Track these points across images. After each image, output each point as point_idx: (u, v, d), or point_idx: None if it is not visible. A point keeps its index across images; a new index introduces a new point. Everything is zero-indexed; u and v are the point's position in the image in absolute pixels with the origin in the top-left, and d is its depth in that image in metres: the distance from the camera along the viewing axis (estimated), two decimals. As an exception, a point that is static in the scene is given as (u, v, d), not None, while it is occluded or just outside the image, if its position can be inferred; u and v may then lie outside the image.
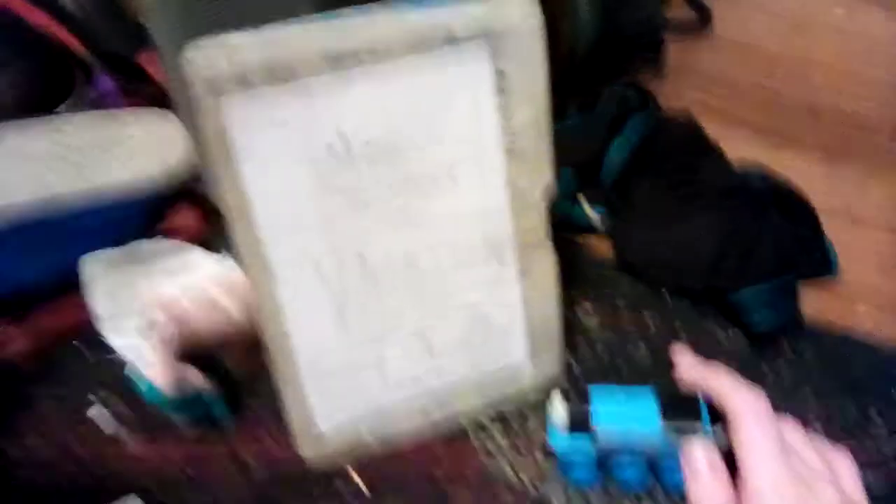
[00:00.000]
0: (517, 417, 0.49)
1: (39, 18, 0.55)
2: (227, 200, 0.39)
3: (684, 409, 0.42)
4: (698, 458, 0.39)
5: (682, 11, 0.81)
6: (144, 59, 0.55)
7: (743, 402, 0.39)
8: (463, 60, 0.38)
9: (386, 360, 0.45)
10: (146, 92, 0.57)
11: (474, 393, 0.48)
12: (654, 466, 0.44)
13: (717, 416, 0.41)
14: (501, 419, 0.49)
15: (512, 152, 0.41)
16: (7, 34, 0.54)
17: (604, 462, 0.45)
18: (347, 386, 0.45)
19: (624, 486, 0.45)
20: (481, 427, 0.49)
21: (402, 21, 0.36)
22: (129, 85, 0.58)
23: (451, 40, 0.37)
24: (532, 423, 0.49)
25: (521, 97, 0.40)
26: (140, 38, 0.56)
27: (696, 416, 0.41)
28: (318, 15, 0.36)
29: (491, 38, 0.38)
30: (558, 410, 0.44)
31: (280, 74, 0.35)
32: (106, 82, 0.59)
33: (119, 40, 0.56)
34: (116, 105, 0.58)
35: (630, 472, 0.44)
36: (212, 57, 0.34)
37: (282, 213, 0.40)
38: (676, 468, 0.41)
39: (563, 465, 0.45)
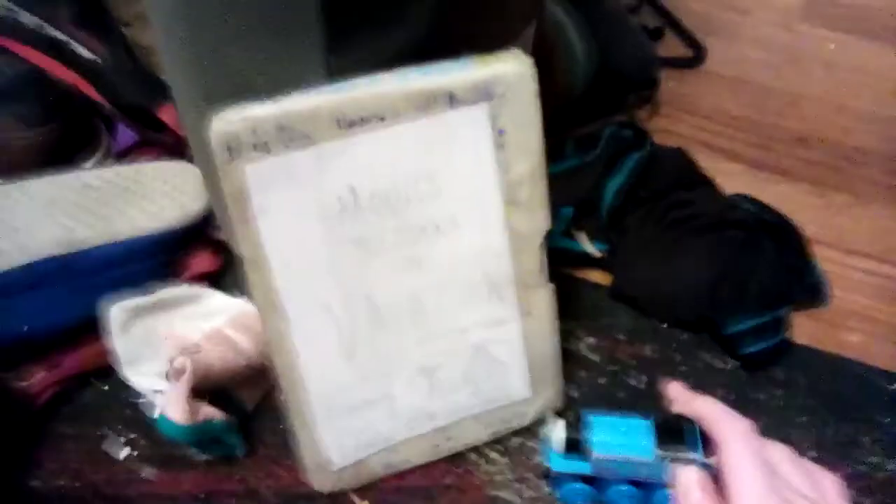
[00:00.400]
0: (522, 448, 0.52)
1: (63, 73, 0.58)
2: (243, 252, 0.41)
3: (679, 438, 0.44)
4: (688, 482, 0.41)
5: (677, 48, 0.84)
6: (163, 111, 0.58)
7: (730, 428, 0.41)
8: (464, 120, 0.41)
9: (394, 396, 0.48)
10: (165, 142, 0.60)
11: (480, 426, 0.51)
12: (647, 496, 0.46)
13: (711, 448, 0.43)
14: (507, 450, 0.52)
15: (511, 202, 0.44)
16: (35, 90, 0.57)
17: (599, 489, 0.47)
18: (357, 421, 0.48)
19: None
20: (488, 458, 0.51)
21: (406, 86, 0.39)
22: (148, 136, 0.61)
23: (453, 102, 0.40)
24: (536, 455, 0.51)
25: (519, 152, 0.42)
26: (158, 90, 0.59)
27: (690, 445, 0.43)
28: (330, 82, 0.39)
29: (490, 100, 0.40)
30: (557, 434, 0.46)
31: (296, 139, 0.38)
32: (126, 133, 0.62)
33: (138, 93, 0.59)
34: (137, 155, 0.61)
35: (624, 501, 0.46)
36: (233, 125, 0.37)
37: (295, 262, 0.42)
38: (669, 499, 0.44)
39: (560, 488, 0.48)
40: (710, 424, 0.43)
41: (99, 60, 0.58)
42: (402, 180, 0.42)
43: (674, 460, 0.43)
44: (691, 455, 0.43)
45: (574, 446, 0.46)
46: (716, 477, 0.42)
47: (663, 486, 0.44)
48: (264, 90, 0.40)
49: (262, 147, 0.38)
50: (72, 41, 0.59)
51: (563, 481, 0.47)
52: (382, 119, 0.39)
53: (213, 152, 0.38)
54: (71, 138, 0.59)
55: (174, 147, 0.60)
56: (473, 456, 0.51)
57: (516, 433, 0.52)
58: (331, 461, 0.48)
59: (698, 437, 0.44)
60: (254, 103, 0.38)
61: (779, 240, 0.61)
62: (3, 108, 0.56)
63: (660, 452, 0.44)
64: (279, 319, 0.43)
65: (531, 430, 0.52)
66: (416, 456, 0.50)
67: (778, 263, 0.59)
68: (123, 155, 0.62)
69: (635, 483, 0.46)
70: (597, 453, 0.45)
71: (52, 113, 0.57)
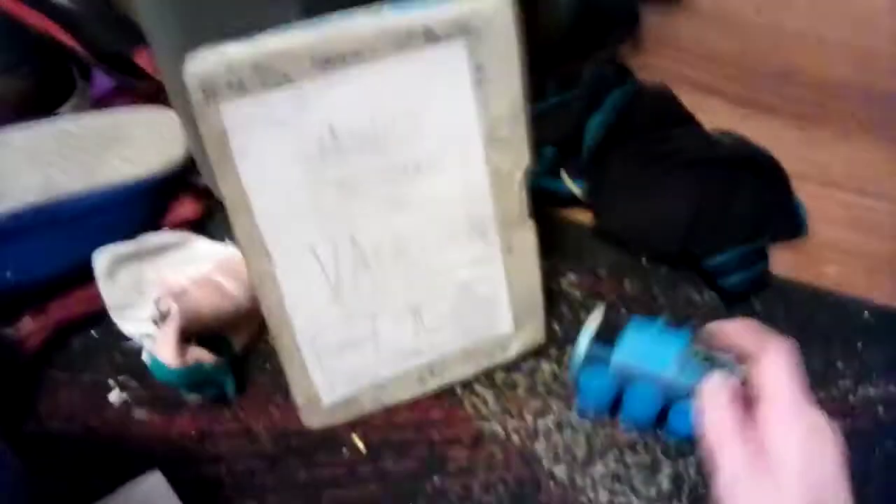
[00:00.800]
0: (506, 382, 0.53)
1: (38, 20, 0.57)
2: (226, 195, 0.41)
3: (710, 346, 0.43)
4: (716, 385, 0.40)
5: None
6: (139, 56, 0.57)
7: (772, 342, 0.40)
8: (442, 57, 0.40)
9: (381, 334, 0.49)
10: (142, 88, 0.59)
11: (465, 361, 0.52)
12: (667, 406, 0.45)
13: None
14: (492, 384, 0.53)
15: (492, 139, 0.44)
16: (10, 38, 0.56)
17: (621, 389, 0.46)
18: (346, 359, 0.49)
19: (631, 423, 0.47)
20: (473, 392, 0.53)
21: (383, 23, 0.39)
22: (125, 82, 0.60)
23: (431, 38, 0.40)
24: (520, 387, 0.53)
25: (499, 88, 0.42)
26: (134, 35, 0.58)
27: (721, 352, 0.43)
28: (306, 21, 0.39)
29: (468, 35, 0.40)
30: (594, 319, 0.46)
31: (273, 79, 0.38)
32: (104, 80, 0.61)
33: (114, 38, 0.58)
34: (115, 102, 0.60)
35: (641, 407, 0.45)
36: (209, 66, 0.37)
37: (278, 205, 0.42)
38: (687, 414, 0.42)
39: (581, 382, 0.47)
40: (748, 340, 0.41)
41: (72, 6, 0.57)
42: (382, 119, 0.42)
43: (702, 360, 0.43)
44: (721, 358, 0.42)
45: (606, 331, 0.45)
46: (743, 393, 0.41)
47: (684, 397, 0.44)
48: (241, 31, 0.39)
49: (239, 87, 0.38)
50: (43, -14, 0.58)
51: (587, 374, 0.46)
52: (359, 57, 0.39)
53: (190, 94, 0.38)
54: (47, 86, 0.59)
55: (151, 93, 0.59)
56: (460, 390, 0.53)
57: (501, 367, 0.53)
58: (320, 398, 0.49)
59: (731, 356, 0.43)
60: (230, 43, 0.37)
61: (760, 175, 0.61)
62: (-25, 56, 0.55)
63: (691, 349, 0.43)
64: (264, 261, 0.44)
65: (515, 363, 0.53)
66: (404, 391, 0.51)
67: (758, 198, 0.60)
68: (100, 102, 0.62)
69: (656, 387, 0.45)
70: (629, 338, 0.45)
71: (26, 59, 0.56)
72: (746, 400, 0.40)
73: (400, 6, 0.40)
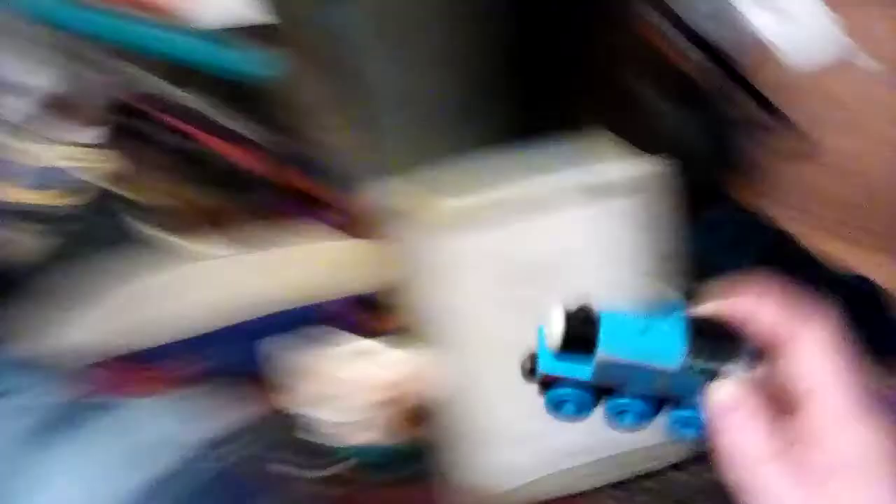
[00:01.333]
0: (642, 488, 0.59)
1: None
2: (429, 312, 0.53)
3: (718, 344, 0.32)
4: (725, 401, 0.31)
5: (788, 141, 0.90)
6: (349, 202, 0.71)
7: (805, 327, 0.30)
8: (611, 208, 0.51)
9: (552, 433, 0.55)
10: (339, 220, 0.72)
11: (619, 465, 0.58)
12: (661, 414, 0.35)
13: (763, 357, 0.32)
14: (630, 488, 0.59)
15: (644, 276, 0.54)
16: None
17: (599, 398, 0.35)
18: (516, 453, 0.56)
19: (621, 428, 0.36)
20: (613, 496, 0.58)
21: (570, 182, 0.51)
22: (326, 217, 0.74)
23: (603, 194, 0.51)
24: (650, 493, 0.58)
25: (655, 233, 0.52)
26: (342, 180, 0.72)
27: (732, 353, 0.32)
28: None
29: (633, 192, 0.51)
30: (556, 324, 0.34)
31: (482, 223, 0.50)
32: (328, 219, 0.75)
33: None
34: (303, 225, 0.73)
35: (632, 417, 0.35)
36: (432, 213, 0.50)
37: (470, 320, 0.53)
38: (689, 423, 0.34)
39: (550, 397, 0.36)
40: (772, 325, 0.31)
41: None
42: (558, 251, 0.52)
43: (706, 372, 0.32)
44: (731, 366, 0.32)
45: (574, 338, 0.34)
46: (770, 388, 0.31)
47: (687, 402, 0.34)
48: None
49: (454, 229, 0.50)
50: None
51: (554, 385, 0.36)
52: (546, 207, 0.50)
53: (414, 234, 0.50)
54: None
55: (348, 224, 0.72)
56: (609, 490, 0.58)
57: (644, 475, 0.59)
58: (492, 487, 0.56)
59: (745, 344, 0.32)
60: (450, 195, 0.50)
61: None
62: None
63: (688, 361, 0.32)
64: (455, 365, 0.54)
65: (658, 471, 0.59)
66: (562, 486, 0.57)
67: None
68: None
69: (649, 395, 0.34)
70: (602, 353, 0.33)
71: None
72: (772, 400, 0.30)
73: (584, 168, 0.51)
